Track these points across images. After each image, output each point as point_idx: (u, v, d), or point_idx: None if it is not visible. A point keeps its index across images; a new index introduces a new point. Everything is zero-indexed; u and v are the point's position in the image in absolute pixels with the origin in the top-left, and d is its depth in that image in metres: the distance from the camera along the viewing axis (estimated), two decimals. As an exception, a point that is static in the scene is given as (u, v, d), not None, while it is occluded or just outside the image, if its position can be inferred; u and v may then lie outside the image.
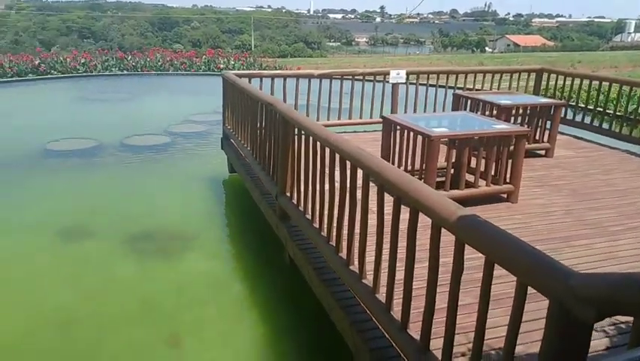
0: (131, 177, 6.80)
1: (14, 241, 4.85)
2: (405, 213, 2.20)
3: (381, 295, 2.51)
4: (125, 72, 16.33)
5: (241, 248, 4.83)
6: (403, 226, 2.25)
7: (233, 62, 17.95)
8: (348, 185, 2.78)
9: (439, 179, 4.28)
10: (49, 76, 15.14)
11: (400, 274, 2.33)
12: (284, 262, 4.16)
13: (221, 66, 17.32)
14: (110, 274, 4.30)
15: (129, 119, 9.91)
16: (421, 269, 2.27)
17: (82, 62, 16.36)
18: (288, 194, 3.86)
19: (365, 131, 7.02)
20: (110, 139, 8.28)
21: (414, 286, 2.27)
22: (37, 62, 15.61)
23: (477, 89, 7.37)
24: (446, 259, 2.04)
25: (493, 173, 4.39)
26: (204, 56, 18.80)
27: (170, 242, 4.91)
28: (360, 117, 6.98)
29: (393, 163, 4.58)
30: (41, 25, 72.24)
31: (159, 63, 17.23)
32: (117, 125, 9.39)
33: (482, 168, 4.34)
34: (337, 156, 2.90)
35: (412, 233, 2.16)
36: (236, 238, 5.12)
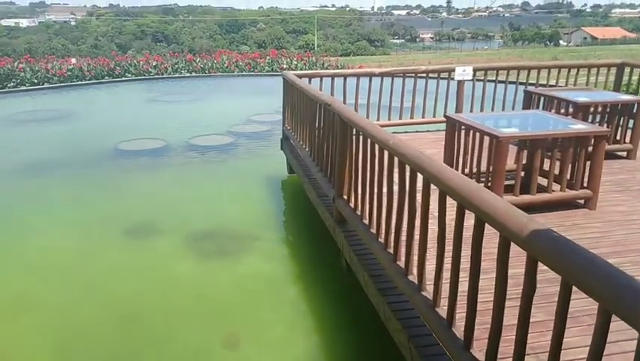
0: (195, 176, 6.96)
1: (86, 236, 5.09)
2: (469, 220, 2.03)
3: (442, 309, 2.34)
4: (194, 74, 16.89)
5: (298, 250, 4.79)
6: (467, 232, 2.08)
7: (295, 62, 18.08)
8: (407, 189, 2.63)
9: (507, 182, 4.01)
10: (123, 78, 15.95)
11: (462, 286, 2.16)
12: (340, 266, 4.06)
13: (284, 66, 17.49)
14: (172, 272, 4.40)
15: (195, 120, 10.20)
16: (487, 281, 2.09)
17: (154, 64, 17.10)
18: (345, 197, 3.75)
19: (428, 131, 6.78)
20: (177, 139, 8.55)
21: (479, 300, 2.09)
22: (112, 65, 16.48)
23: (551, 86, 6.89)
24: (515, 270, 1.85)
25: (568, 177, 4.05)
26: (268, 57, 19.08)
27: (230, 242, 4.95)
28: (423, 117, 6.73)
29: (457, 165, 4.36)
30: (118, 29, 76.77)
31: (225, 65, 17.67)
32: (184, 125, 9.68)
33: (556, 172, 4.02)
34: (396, 159, 2.75)
35: (477, 243, 1.99)
36: (293, 239, 5.09)
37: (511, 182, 4.02)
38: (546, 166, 4.06)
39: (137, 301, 3.95)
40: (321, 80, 6.17)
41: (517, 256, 1.78)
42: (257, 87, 14.75)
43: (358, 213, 3.50)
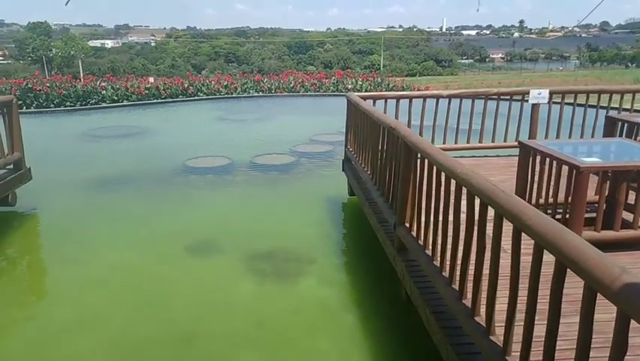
0: (256, 195, 7.01)
1: (151, 252, 5.21)
2: (548, 255, 1.82)
3: (513, 357, 2.12)
4: (261, 94, 17.32)
5: (356, 276, 4.63)
6: (544, 268, 1.87)
7: (361, 83, 18.08)
8: (476, 221, 2.44)
9: (586, 215, 3.67)
10: (196, 97, 16.63)
11: (538, 330, 1.95)
12: (400, 297, 3.87)
13: (349, 87, 17.53)
14: (231, 294, 4.37)
15: (259, 139, 10.38)
16: (565, 326, 1.88)
17: (224, 84, 17.71)
18: (407, 225, 3.58)
19: (497, 156, 6.46)
20: (241, 157, 8.71)
21: (557, 346, 1.87)
22: (186, 85, 17.24)
23: (636, 111, 6.36)
24: (598, 315, 1.62)
25: (658, 212, 3.65)
26: (333, 77, 19.23)
27: (288, 264, 4.89)
28: (493, 141, 6.42)
29: (531, 195, 4.06)
30: (194, 51, 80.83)
31: (291, 85, 17.98)
32: (248, 144, 9.88)
33: (644, 206, 3.63)
34: (465, 189, 2.56)
35: (558, 290, 1.77)
36: (351, 264, 4.94)
37: (592, 215, 3.68)
38: (631, 199, 3.69)
39: (194, 321, 3.93)
40: (385, 102, 6.06)
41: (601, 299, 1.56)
42: (320, 107, 14.87)
43: (421, 243, 3.32)
